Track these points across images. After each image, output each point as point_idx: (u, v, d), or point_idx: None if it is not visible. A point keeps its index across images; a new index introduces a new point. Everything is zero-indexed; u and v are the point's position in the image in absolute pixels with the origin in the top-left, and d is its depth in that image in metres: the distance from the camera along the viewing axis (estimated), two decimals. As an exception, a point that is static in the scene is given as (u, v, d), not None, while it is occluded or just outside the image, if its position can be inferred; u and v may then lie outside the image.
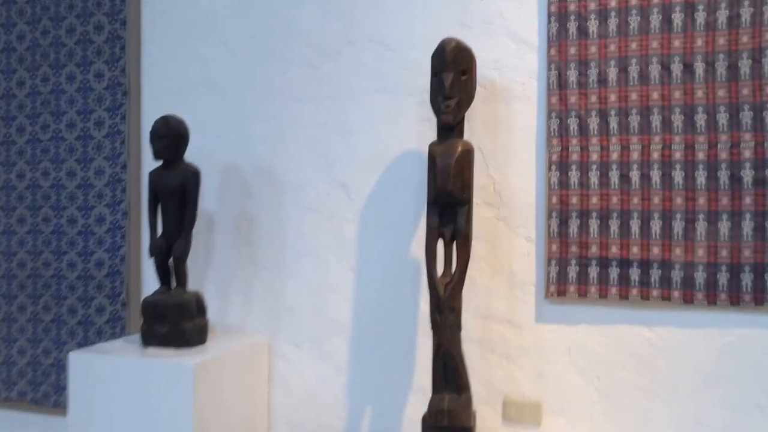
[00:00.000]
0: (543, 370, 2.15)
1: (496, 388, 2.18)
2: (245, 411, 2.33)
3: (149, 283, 2.60)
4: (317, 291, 2.40)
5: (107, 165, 2.63)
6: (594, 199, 2.13)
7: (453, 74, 2.03)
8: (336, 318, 2.38)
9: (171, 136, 2.28)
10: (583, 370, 2.11)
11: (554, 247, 2.15)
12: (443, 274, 2.06)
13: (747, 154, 2.00)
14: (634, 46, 2.10)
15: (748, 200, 2.00)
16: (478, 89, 2.18)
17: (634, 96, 2.10)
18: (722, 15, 2.02)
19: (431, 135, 2.24)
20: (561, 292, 2.14)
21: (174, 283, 2.32)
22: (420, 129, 2.29)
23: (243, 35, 2.50)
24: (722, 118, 2.02)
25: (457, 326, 2.02)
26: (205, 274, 2.55)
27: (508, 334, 2.18)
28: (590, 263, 2.13)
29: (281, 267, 2.45)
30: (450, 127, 2.08)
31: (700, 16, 2.04)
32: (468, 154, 2.07)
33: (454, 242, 2.06)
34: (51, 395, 2.68)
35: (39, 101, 2.73)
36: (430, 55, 2.07)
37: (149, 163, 2.56)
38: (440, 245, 2.07)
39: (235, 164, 2.51)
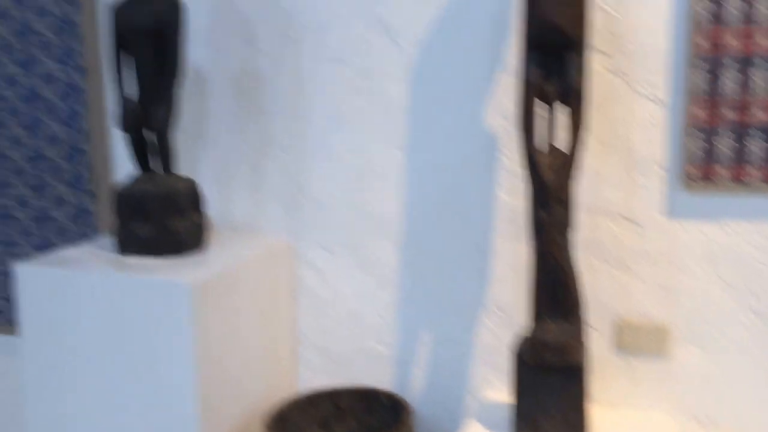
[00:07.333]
0: (673, 283, 1.56)
1: (607, 307, 1.61)
2: (264, 337, 1.76)
3: (122, 165, 1.95)
4: (353, 177, 1.76)
5: (51, 1, 1.88)
6: (764, 40, 1.46)
7: None
8: (379, 213, 1.75)
9: (137, -52, 1.55)
10: (732, 283, 1.53)
11: (698, 111, 1.50)
12: (545, 151, 1.42)
13: None
14: None
15: None
16: None
17: None
18: None
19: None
20: (707, 176, 1.51)
21: (157, 167, 1.67)
22: (503, -60, 1.57)
23: None
24: None
25: (568, 226, 1.41)
26: (198, 153, 1.89)
27: (624, 235, 1.58)
28: (752, 135, 1.48)
29: (302, 143, 1.79)
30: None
31: None
32: (587, -31, 1.38)
33: (563, 104, 1.41)
34: (4, 311, 2.09)
35: None
36: None
37: (110, -4, 1.84)
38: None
39: (231, -1, 1.79)
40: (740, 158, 1.49)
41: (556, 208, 1.38)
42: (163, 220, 1.62)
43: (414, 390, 1.79)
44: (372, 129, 1.73)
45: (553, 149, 1.42)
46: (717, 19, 1.47)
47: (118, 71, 1.63)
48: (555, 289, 1.42)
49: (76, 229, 1.97)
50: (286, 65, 1.77)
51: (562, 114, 1.44)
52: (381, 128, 1.72)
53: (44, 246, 2.00)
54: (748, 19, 1.46)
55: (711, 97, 1.49)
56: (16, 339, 2.06)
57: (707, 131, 1.50)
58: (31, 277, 1.61)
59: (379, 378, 1.82)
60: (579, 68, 1.38)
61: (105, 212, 1.94)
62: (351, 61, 1.72)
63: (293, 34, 1.75)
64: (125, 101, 1.62)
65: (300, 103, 1.78)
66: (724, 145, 1.50)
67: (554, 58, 1.39)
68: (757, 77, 1.47)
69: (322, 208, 1.80)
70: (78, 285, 1.57)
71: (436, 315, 1.75)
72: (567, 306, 1.43)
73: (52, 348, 1.61)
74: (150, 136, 1.64)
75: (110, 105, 1.92)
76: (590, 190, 1.57)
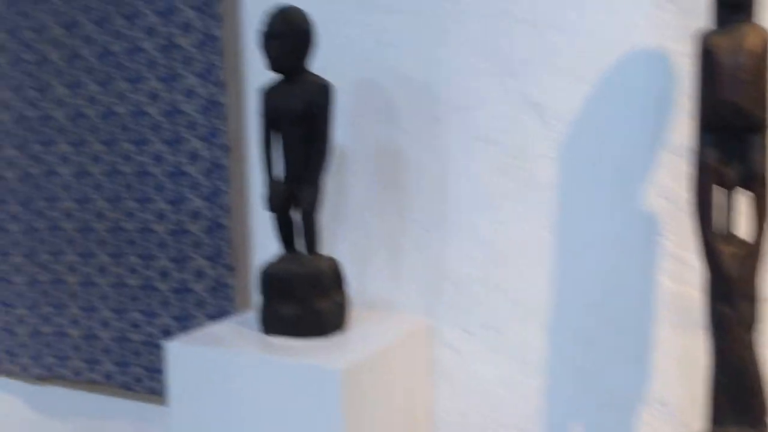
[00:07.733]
0: None
1: (789, 410, 1.45)
2: (402, 420, 1.70)
3: (261, 241, 1.97)
4: (495, 257, 1.71)
5: (199, 83, 1.97)
6: None
7: None
8: (523, 295, 1.68)
9: (293, 36, 1.58)
10: None
11: None
12: (726, 240, 1.32)
13: None
14: None
15: None
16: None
17: None
18: None
19: (673, 25, 1.47)
20: None
21: (301, 246, 1.67)
22: (657, 15, 1.50)
23: None
24: None
25: (754, 323, 1.29)
26: (337, 231, 1.89)
27: (808, 329, 1.43)
28: None
29: (442, 222, 1.76)
30: (739, 4, 1.30)
31: None
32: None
33: (744, 189, 1.31)
34: (143, 379, 2.14)
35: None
36: None
37: (256, 78, 1.90)
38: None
39: (373, 78, 1.81)
40: None
41: (740, 303, 1.26)
42: (307, 300, 1.61)
43: (560, 486, 1.67)
44: (518, 209, 1.67)
45: (734, 238, 1.31)
46: None
47: (268, 152, 1.67)
48: (738, 392, 1.29)
49: (214, 302, 2.00)
50: (429, 144, 1.76)
51: (742, 199, 1.34)
52: (527, 208, 1.66)
53: (183, 317, 2.05)
54: None
55: None
56: (155, 407, 2.10)
57: None
58: (181, 354, 1.63)
59: (520, 470, 1.71)
60: (763, 151, 1.28)
61: (242, 287, 1.97)
62: (497, 139, 1.68)
63: (437, 113, 1.74)
64: (274, 182, 1.64)
65: (442, 181, 1.75)
66: None
67: (733, 139, 1.30)
68: None
69: (462, 288, 1.75)
70: (226, 364, 1.57)
71: (586, 406, 1.64)
72: (752, 411, 1.29)
73: (199, 422, 1.61)
74: (296, 215, 1.65)
75: (252, 182, 1.97)
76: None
